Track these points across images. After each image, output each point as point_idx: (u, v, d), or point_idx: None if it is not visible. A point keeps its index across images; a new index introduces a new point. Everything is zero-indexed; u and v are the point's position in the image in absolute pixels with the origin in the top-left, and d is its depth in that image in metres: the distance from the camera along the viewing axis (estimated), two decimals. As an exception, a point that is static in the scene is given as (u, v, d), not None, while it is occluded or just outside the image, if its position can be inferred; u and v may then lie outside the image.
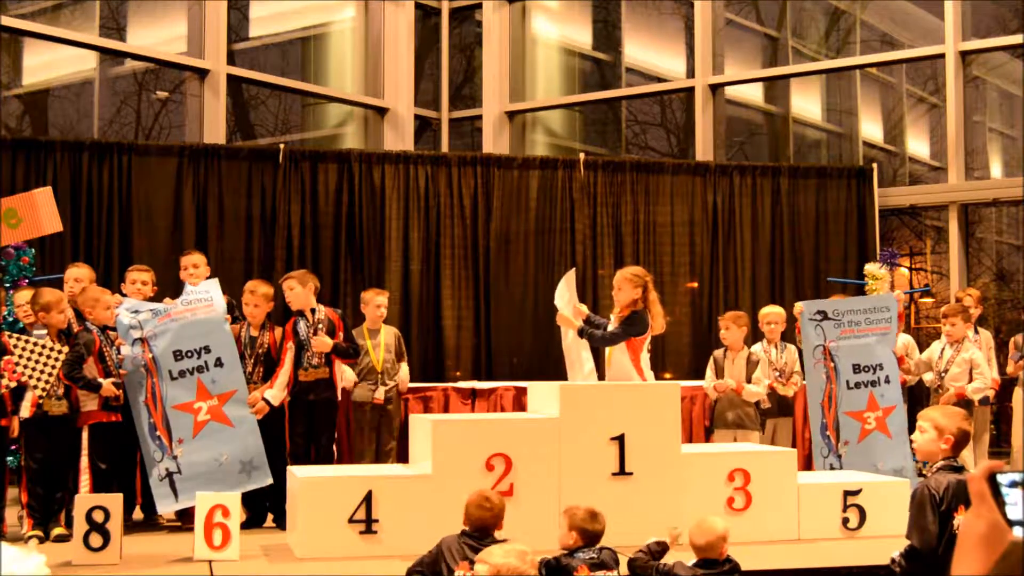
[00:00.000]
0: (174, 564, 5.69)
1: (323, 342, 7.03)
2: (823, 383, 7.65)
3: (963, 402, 7.86)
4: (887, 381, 7.66)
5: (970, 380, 8.10)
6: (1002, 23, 11.40)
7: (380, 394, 7.61)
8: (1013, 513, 1.35)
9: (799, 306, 7.93)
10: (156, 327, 6.56)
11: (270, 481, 6.59)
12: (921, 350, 8.73)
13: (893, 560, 4.15)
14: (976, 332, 8.36)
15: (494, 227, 10.18)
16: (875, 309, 7.78)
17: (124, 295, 7.06)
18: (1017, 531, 1.34)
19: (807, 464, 7.88)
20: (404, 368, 7.89)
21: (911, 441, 4.46)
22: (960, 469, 4.12)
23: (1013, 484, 1.35)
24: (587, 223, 10.31)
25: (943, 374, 8.13)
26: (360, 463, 7.52)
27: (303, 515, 5.84)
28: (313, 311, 7.15)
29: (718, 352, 8.03)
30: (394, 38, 11.96)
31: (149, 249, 9.10)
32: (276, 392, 6.91)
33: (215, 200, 9.46)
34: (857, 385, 7.64)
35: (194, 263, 7.45)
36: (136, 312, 6.68)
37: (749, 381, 7.79)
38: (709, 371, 8.00)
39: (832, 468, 7.54)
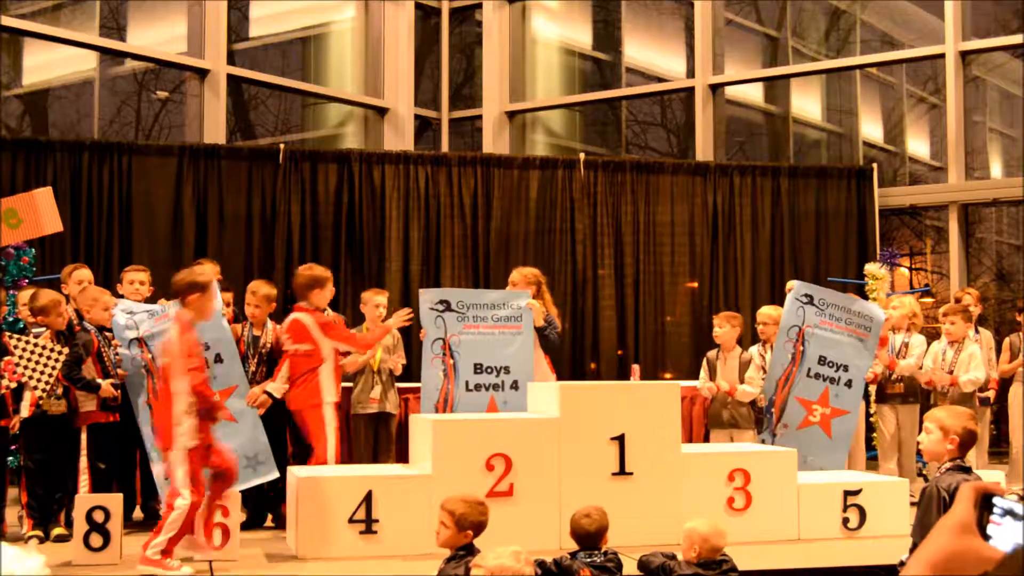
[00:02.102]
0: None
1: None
2: (786, 363, 7.64)
3: (965, 399, 7.87)
4: (848, 385, 7.62)
5: None
6: (1002, 23, 11.41)
7: (376, 393, 7.59)
8: (993, 532, 1.36)
9: (791, 284, 7.94)
10: (153, 327, 6.57)
11: (276, 475, 6.60)
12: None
13: (902, 562, 4.16)
14: (976, 332, 8.36)
15: (494, 227, 10.18)
16: (860, 314, 7.75)
17: (120, 295, 7.05)
18: (994, 544, 1.35)
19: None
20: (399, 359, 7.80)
21: (918, 446, 4.46)
22: (968, 469, 4.12)
23: (1004, 512, 1.36)
24: (587, 223, 10.31)
25: (949, 374, 8.11)
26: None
27: (303, 515, 5.84)
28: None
29: (711, 353, 8.01)
30: (394, 38, 11.97)
31: (149, 249, 9.10)
32: (278, 384, 6.89)
33: (215, 200, 9.46)
34: (816, 376, 7.62)
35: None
36: (132, 313, 6.70)
37: (742, 381, 7.79)
38: (703, 372, 7.99)
39: (763, 443, 7.54)
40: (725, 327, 7.89)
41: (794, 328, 7.64)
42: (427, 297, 7.41)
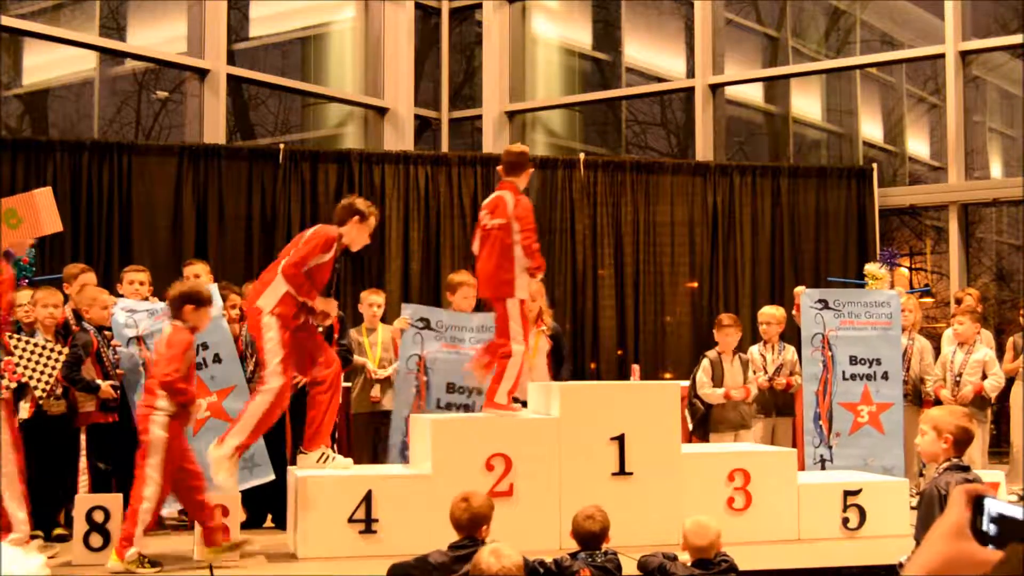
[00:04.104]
0: (174, 564, 5.69)
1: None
2: (819, 372, 7.63)
3: (979, 400, 7.91)
4: (884, 377, 7.63)
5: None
6: (1002, 23, 11.41)
7: (376, 392, 7.60)
8: (987, 534, 1.36)
9: (799, 289, 7.93)
10: (152, 326, 6.58)
11: (272, 477, 6.60)
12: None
13: (900, 564, 4.15)
14: (977, 333, 8.37)
15: (494, 227, 10.16)
16: (876, 303, 7.78)
17: (120, 295, 7.05)
18: (989, 547, 1.36)
19: (808, 464, 7.88)
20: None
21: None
22: (966, 468, 4.12)
23: (997, 514, 1.37)
24: (587, 223, 10.31)
25: (958, 378, 8.10)
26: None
27: (303, 515, 5.84)
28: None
29: (712, 354, 7.92)
30: (394, 38, 11.96)
31: (149, 249, 9.10)
32: None
33: (215, 200, 9.46)
34: (852, 377, 7.62)
35: (195, 273, 7.40)
36: (132, 312, 6.70)
37: (744, 383, 7.82)
38: (705, 375, 7.82)
39: (822, 459, 7.52)
40: (736, 332, 7.89)
41: (817, 336, 7.63)
42: (408, 312, 7.41)
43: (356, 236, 6.15)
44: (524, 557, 4.00)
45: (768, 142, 13.16)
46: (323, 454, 6.14)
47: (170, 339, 5.62)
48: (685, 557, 4.69)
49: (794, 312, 8.02)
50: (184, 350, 5.60)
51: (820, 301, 7.74)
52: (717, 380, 7.80)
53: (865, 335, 7.66)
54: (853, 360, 7.64)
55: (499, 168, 6.55)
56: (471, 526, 4.54)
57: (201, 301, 5.72)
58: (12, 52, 10.53)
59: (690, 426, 7.89)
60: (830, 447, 7.52)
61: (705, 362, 7.87)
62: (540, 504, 5.97)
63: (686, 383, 8.02)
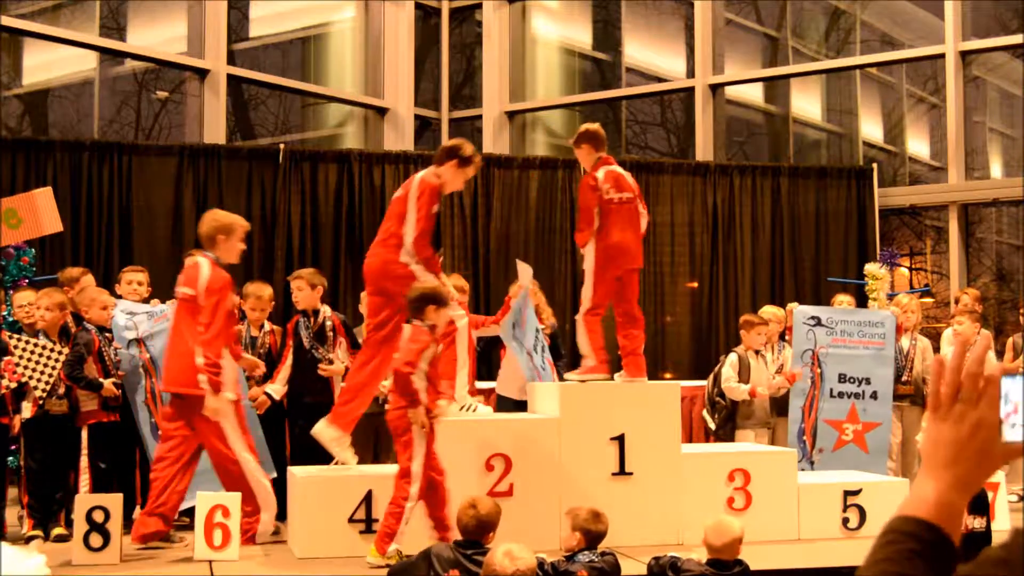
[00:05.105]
0: (174, 564, 5.69)
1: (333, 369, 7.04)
2: (807, 388, 7.65)
3: None
4: (873, 397, 7.64)
5: None
6: (1002, 23, 11.40)
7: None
8: (1004, 412, 1.33)
9: (793, 305, 7.94)
10: (152, 327, 6.60)
11: (273, 475, 6.59)
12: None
13: None
14: (977, 333, 8.37)
15: (494, 227, 10.18)
16: (870, 323, 7.76)
17: (119, 296, 7.04)
18: (1008, 434, 1.32)
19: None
20: None
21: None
22: None
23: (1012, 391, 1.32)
24: (587, 223, 10.29)
25: None
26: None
27: (303, 515, 5.84)
28: (316, 312, 7.14)
29: (740, 350, 7.86)
30: (394, 38, 11.96)
31: (149, 249, 9.10)
32: (278, 387, 6.93)
33: (215, 200, 9.44)
34: (840, 395, 7.64)
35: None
36: (131, 314, 6.70)
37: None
38: (732, 370, 7.74)
39: (801, 471, 7.52)
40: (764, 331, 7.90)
41: (808, 352, 7.64)
42: (507, 329, 7.42)
43: (452, 179, 6.08)
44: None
45: (768, 142, 13.16)
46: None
47: (412, 338, 5.50)
48: (698, 555, 4.67)
49: (787, 335, 8.00)
50: (423, 349, 5.48)
51: (813, 318, 7.75)
52: (743, 377, 7.78)
53: (857, 354, 7.67)
54: (842, 378, 7.65)
55: (587, 146, 6.54)
56: (478, 532, 4.53)
57: (443, 301, 5.61)
58: (12, 52, 10.52)
59: (712, 425, 7.87)
60: (812, 462, 7.53)
61: (733, 357, 7.84)
62: (540, 504, 5.97)
63: (686, 383, 8.00)
